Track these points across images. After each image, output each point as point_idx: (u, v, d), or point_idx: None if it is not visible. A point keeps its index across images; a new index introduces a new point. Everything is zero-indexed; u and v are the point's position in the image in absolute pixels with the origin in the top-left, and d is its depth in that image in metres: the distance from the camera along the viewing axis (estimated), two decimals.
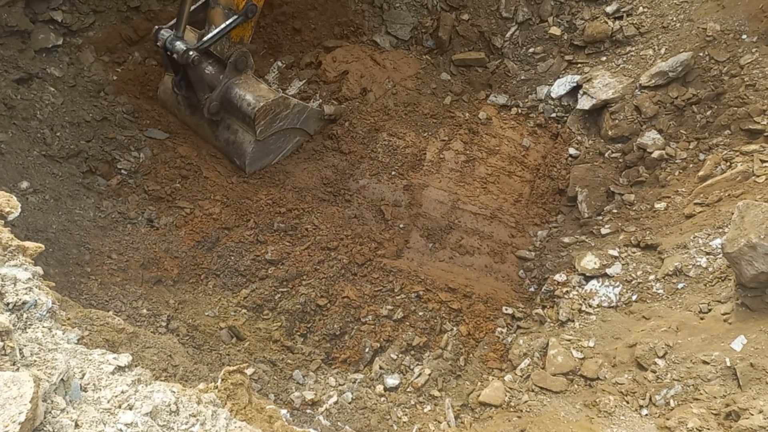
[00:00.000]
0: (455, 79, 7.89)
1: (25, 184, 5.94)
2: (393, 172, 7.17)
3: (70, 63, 6.87)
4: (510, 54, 7.84)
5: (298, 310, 6.09)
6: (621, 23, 7.22)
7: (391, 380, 5.76)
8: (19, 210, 2.85)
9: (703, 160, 6.08)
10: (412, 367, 5.89)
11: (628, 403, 4.79)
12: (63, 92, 6.67)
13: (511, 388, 5.44)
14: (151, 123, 7.06)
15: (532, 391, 5.31)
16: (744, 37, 6.25)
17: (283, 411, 5.00)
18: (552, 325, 5.89)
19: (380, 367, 5.86)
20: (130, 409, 2.09)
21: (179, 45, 6.11)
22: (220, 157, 7.15)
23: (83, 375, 2.18)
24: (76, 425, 1.93)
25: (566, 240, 6.44)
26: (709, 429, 4.21)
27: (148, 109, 7.16)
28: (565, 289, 6.02)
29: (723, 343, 4.66)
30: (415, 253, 6.65)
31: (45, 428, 1.85)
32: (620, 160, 6.58)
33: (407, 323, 6.09)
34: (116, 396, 2.12)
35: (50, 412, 1.90)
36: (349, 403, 5.51)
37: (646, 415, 4.65)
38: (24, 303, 2.28)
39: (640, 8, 7.18)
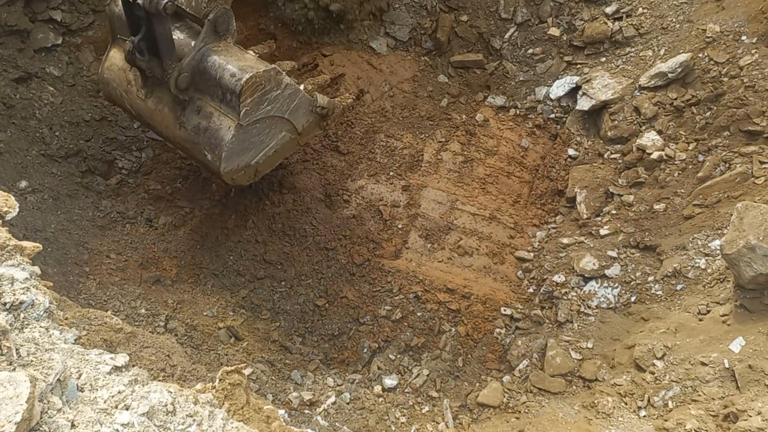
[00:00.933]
0: (452, 81, 7.89)
1: (23, 184, 5.94)
2: (391, 173, 7.17)
3: (70, 62, 6.86)
4: (509, 55, 7.83)
5: (296, 311, 6.10)
6: (620, 24, 7.22)
7: (390, 381, 5.76)
8: (17, 209, 2.84)
9: (702, 161, 6.08)
10: (410, 367, 5.89)
11: (626, 404, 4.79)
12: (62, 91, 6.66)
13: (509, 389, 5.44)
14: None
15: (531, 392, 5.31)
16: (743, 38, 6.25)
17: (281, 411, 4.99)
18: (550, 326, 5.89)
19: (378, 368, 5.86)
20: (127, 409, 2.09)
21: None
22: None
23: (80, 375, 2.18)
24: (73, 425, 1.92)
25: (565, 241, 6.44)
26: (707, 430, 4.21)
27: None
28: (563, 290, 6.02)
29: (721, 344, 4.66)
30: (413, 253, 6.65)
31: (41, 428, 1.85)
32: (619, 161, 6.58)
33: (406, 324, 6.09)
34: (113, 396, 2.12)
35: (47, 412, 1.90)
36: (348, 403, 5.51)
37: (645, 416, 4.65)
38: (21, 303, 2.27)
39: (640, 9, 7.18)
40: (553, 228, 6.74)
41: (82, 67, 6.95)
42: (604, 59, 7.26)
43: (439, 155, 7.30)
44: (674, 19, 6.91)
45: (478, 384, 5.69)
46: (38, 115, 6.38)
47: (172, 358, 4.19)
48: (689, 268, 5.45)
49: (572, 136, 7.10)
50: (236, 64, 5.06)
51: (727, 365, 4.50)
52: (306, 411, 5.37)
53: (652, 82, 6.59)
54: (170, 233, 6.39)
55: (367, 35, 7.99)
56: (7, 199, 2.83)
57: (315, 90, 6.27)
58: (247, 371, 5.41)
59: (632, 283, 5.76)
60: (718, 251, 5.29)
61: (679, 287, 5.43)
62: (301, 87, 5.80)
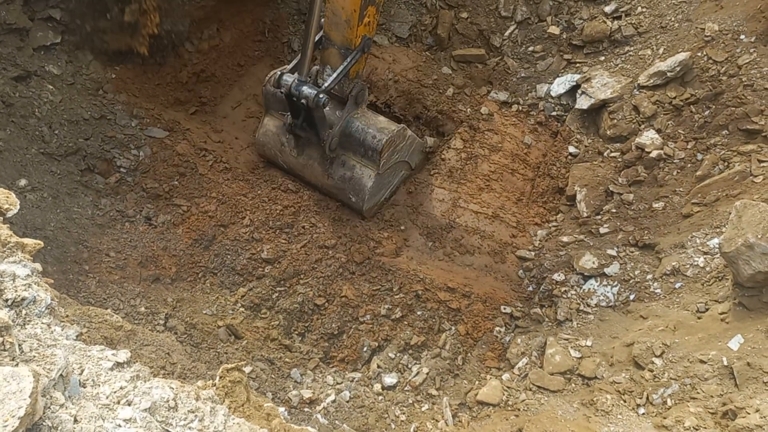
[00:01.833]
0: (456, 74, 7.88)
1: (23, 182, 5.94)
2: None
3: (69, 61, 6.85)
4: (509, 52, 7.84)
5: (295, 309, 6.10)
6: (619, 23, 7.23)
7: (389, 379, 5.77)
8: (18, 207, 2.84)
9: (701, 159, 6.09)
10: (410, 366, 5.90)
11: (625, 402, 4.80)
12: (61, 90, 6.66)
13: (508, 387, 5.44)
14: (150, 122, 7.06)
15: (530, 390, 5.32)
16: (742, 37, 6.26)
17: (281, 409, 5.00)
18: (550, 324, 5.90)
19: (378, 366, 5.87)
20: (129, 404, 2.10)
21: (307, 90, 5.99)
22: (221, 159, 7.10)
23: (82, 371, 2.18)
24: (75, 420, 1.93)
25: (565, 239, 6.45)
26: (705, 428, 4.22)
27: (148, 107, 7.15)
28: (563, 289, 6.03)
29: (720, 342, 4.68)
30: (414, 252, 6.65)
31: (44, 423, 1.85)
32: (619, 160, 6.59)
33: (405, 322, 6.10)
34: (115, 392, 2.12)
35: (49, 407, 1.90)
36: (347, 401, 5.52)
37: (643, 414, 4.66)
38: (23, 299, 2.28)
39: (639, 8, 7.19)
40: (554, 226, 6.75)
41: (82, 66, 6.95)
42: (603, 58, 7.27)
43: (442, 154, 7.29)
44: (673, 18, 6.92)
45: (477, 382, 5.70)
46: (37, 113, 6.38)
47: (172, 356, 4.19)
48: (688, 266, 5.46)
49: (572, 133, 7.12)
50: (375, 127, 6.50)
51: (725, 363, 4.51)
52: (306, 409, 5.38)
53: (651, 81, 6.60)
54: (169, 231, 6.39)
55: None
56: (8, 197, 2.83)
57: None
58: (246, 369, 5.42)
59: (631, 282, 5.77)
60: (716, 249, 5.30)
61: (677, 285, 5.44)
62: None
